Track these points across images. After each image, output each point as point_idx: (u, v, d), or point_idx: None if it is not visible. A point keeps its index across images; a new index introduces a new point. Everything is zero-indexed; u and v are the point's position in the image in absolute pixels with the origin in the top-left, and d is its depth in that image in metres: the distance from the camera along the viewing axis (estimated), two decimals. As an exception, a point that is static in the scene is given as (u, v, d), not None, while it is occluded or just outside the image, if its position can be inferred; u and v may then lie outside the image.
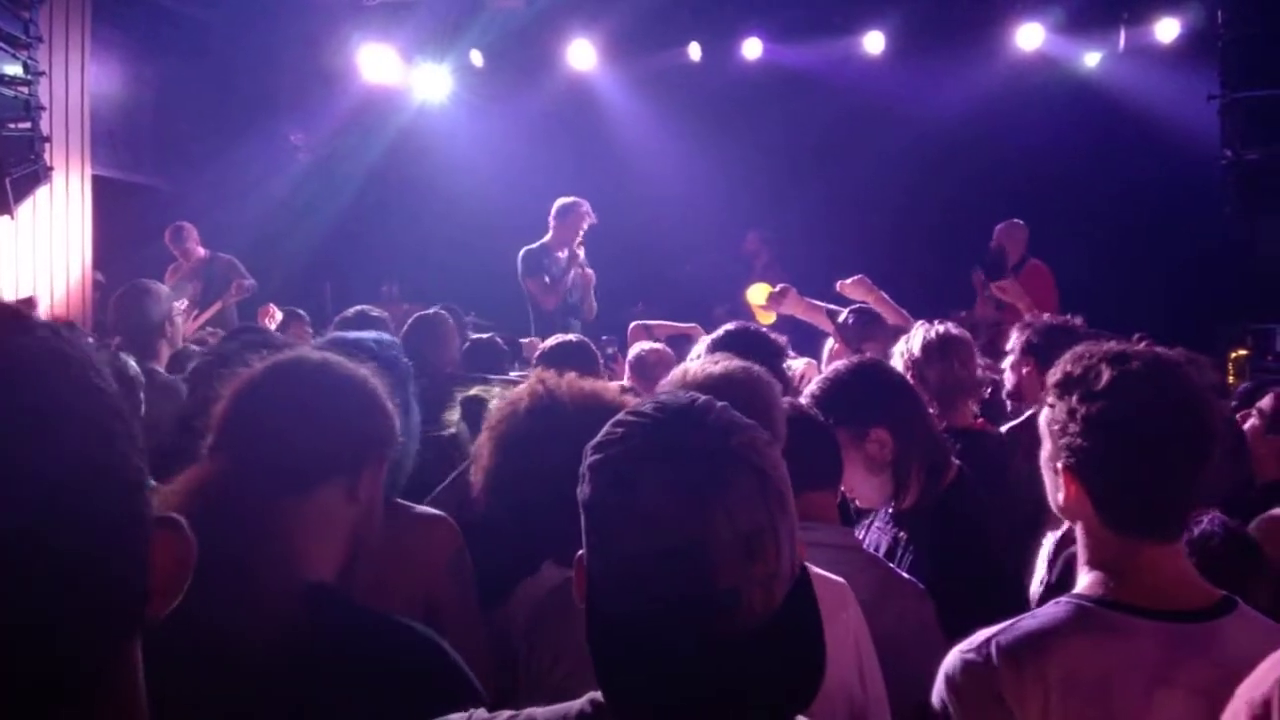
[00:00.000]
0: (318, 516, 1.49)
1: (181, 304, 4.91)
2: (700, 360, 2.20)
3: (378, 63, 9.25)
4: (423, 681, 1.41)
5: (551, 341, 3.67)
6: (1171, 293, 8.19)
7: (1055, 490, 1.60)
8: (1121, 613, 1.46)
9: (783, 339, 3.09)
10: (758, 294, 4.71)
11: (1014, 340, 3.43)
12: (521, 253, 7.25)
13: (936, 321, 3.34)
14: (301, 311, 6.65)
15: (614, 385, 2.13)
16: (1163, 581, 1.49)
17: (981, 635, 1.52)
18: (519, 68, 9.60)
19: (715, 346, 2.77)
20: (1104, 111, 8.87)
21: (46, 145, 6.67)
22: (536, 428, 1.97)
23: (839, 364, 2.63)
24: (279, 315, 6.31)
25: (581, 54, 9.15)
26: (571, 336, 3.77)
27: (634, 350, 4.20)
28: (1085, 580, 1.53)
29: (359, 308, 4.28)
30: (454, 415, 3.01)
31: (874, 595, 1.98)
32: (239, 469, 1.42)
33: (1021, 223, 7.38)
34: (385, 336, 2.38)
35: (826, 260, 8.91)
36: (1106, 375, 1.51)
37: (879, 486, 2.42)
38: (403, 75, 9.58)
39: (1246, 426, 3.29)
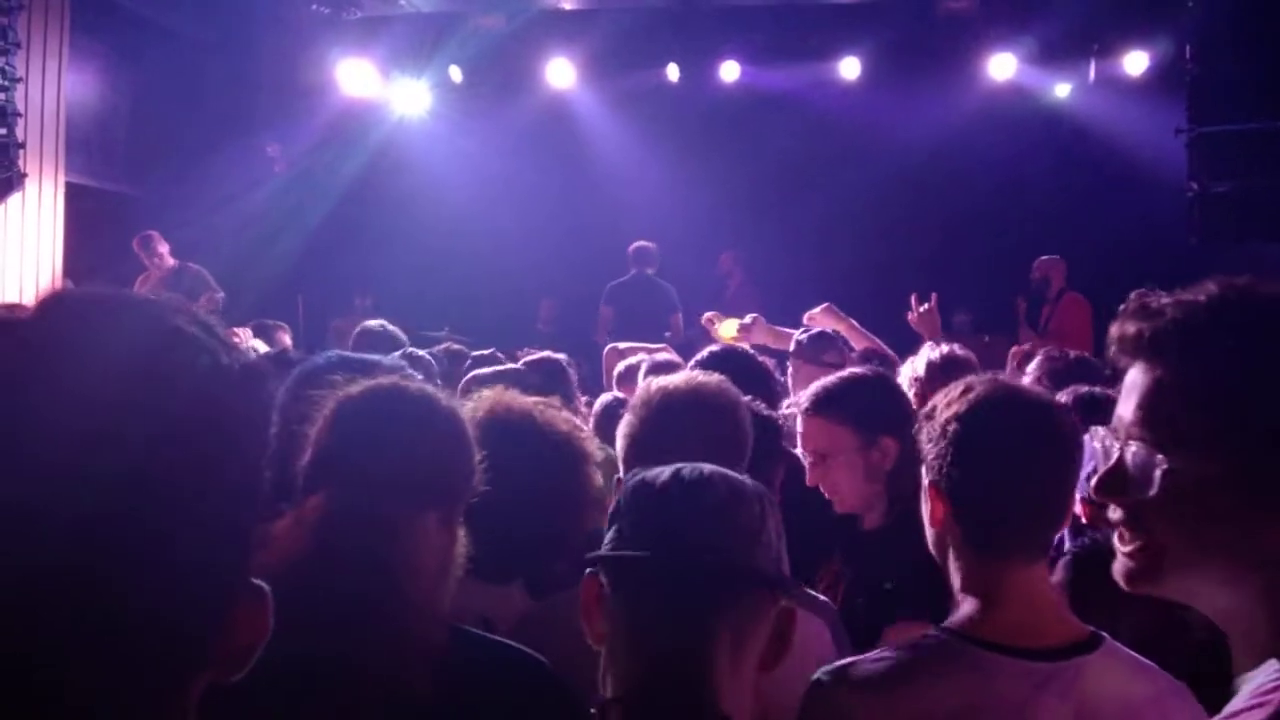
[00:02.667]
0: (418, 545, 1.48)
1: None
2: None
3: (356, 77, 9.25)
4: (562, 706, 1.46)
5: (535, 358, 3.73)
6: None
7: (927, 514, 1.61)
8: (985, 649, 1.46)
9: (771, 361, 3.12)
10: (728, 328, 4.72)
11: (1033, 371, 3.44)
12: (672, 290, 8.18)
13: (943, 343, 3.41)
14: (282, 324, 6.61)
15: (569, 418, 2.13)
16: (1030, 615, 1.49)
17: (845, 660, 1.53)
18: (498, 84, 9.63)
19: (701, 369, 2.79)
20: (1074, 141, 9.03)
21: (21, 151, 6.63)
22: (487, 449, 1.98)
23: (857, 370, 2.66)
24: (246, 335, 6.25)
25: (561, 72, 9.20)
26: (547, 354, 3.80)
27: (621, 366, 4.24)
28: (958, 611, 1.53)
29: (378, 321, 4.31)
30: None
31: None
32: (355, 498, 1.40)
33: (1060, 257, 7.75)
34: (401, 362, 2.37)
35: (801, 281, 8.98)
36: (975, 396, 1.55)
37: (868, 496, 2.42)
38: (381, 90, 9.59)
39: None
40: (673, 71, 9.24)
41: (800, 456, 2.56)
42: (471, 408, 2.03)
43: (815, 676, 1.49)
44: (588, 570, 1.22)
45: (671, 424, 1.79)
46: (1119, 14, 8.20)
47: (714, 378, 1.98)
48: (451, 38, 9.12)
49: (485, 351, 4.47)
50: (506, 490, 1.86)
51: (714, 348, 3.08)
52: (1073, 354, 3.59)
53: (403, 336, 4.21)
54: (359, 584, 1.32)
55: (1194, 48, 6.01)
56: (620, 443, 1.88)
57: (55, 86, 7.23)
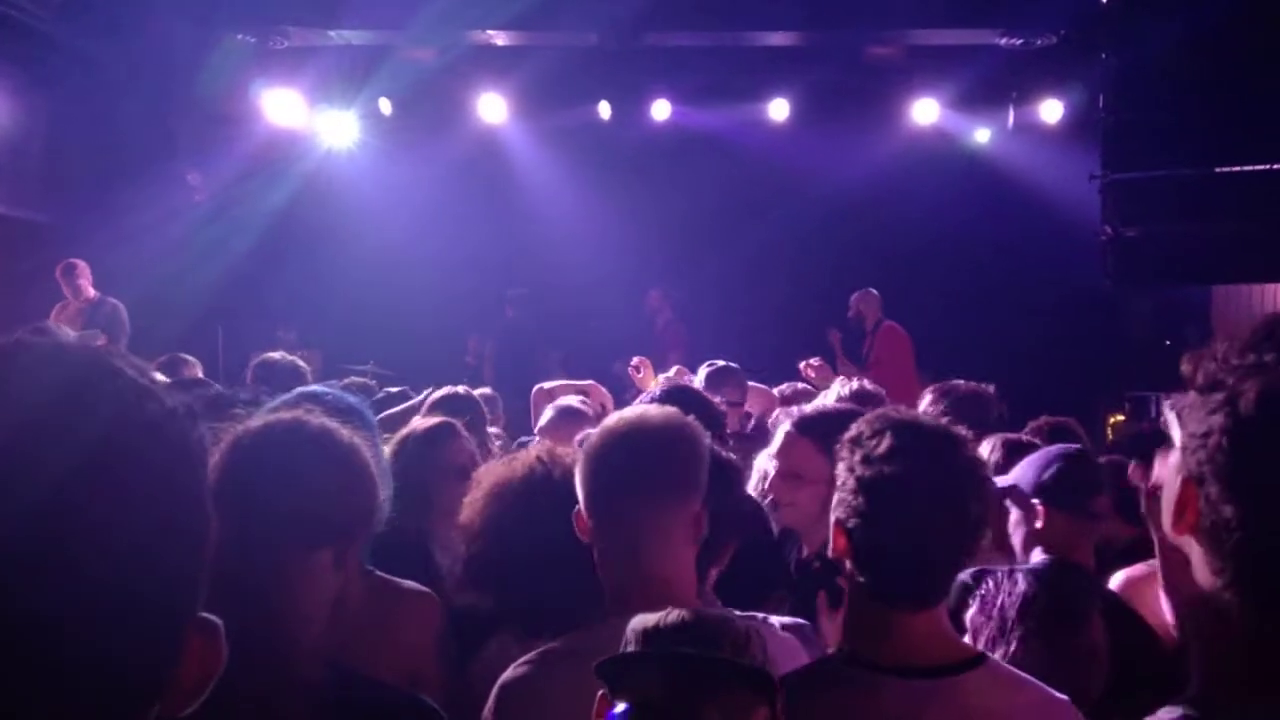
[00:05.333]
0: (308, 584, 1.47)
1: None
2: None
3: (282, 106, 9.11)
4: None
5: (441, 393, 3.70)
6: (1053, 360, 8.55)
7: (830, 540, 1.66)
8: (867, 670, 1.55)
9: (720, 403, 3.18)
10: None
11: (927, 404, 3.50)
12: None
13: (855, 379, 3.53)
14: (191, 357, 6.40)
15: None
16: (913, 641, 1.56)
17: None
18: (428, 118, 9.57)
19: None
20: (994, 184, 9.30)
21: (-76, 176, 6.39)
22: (533, 506, 1.96)
23: (853, 406, 2.74)
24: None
25: (492, 107, 9.18)
26: (459, 389, 3.77)
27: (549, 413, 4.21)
28: (851, 638, 1.62)
29: (270, 354, 4.19)
30: None
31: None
32: (243, 532, 1.37)
33: (875, 291, 8.12)
34: (347, 395, 2.38)
35: (727, 318, 9.07)
36: (887, 442, 1.57)
37: (819, 524, 2.44)
38: (308, 120, 9.46)
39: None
40: (604, 109, 9.29)
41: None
42: (506, 464, 2.07)
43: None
44: (600, 693, 1.36)
45: (634, 454, 1.78)
46: (1036, 64, 8.49)
47: (686, 417, 1.96)
48: (381, 69, 9.04)
49: (396, 389, 4.40)
50: (543, 547, 1.87)
51: (664, 386, 3.29)
52: (960, 383, 3.66)
53: (305, 369, 4.09)
54: (235, 622, 1.28)
55: (1107, 97, 6.21)
56: (580, 466, 1.85)
57: (-36, 109, 7.00)
